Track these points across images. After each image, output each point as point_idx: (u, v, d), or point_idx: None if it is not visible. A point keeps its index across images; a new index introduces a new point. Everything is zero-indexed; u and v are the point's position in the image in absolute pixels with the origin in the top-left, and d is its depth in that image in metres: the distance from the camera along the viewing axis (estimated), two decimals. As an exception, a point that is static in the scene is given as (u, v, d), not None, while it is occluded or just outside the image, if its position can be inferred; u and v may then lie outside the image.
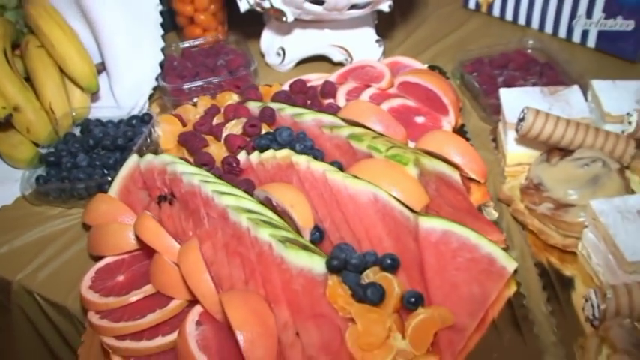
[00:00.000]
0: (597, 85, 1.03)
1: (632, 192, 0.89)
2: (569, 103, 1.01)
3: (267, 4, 1.15)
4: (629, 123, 0.94)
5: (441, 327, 0.78)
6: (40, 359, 1.07)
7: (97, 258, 0.94)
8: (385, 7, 1.19)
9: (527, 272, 0.87)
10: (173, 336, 0.82)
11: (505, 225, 0.94)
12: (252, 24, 1.38)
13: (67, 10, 1.23)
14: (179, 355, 0.79)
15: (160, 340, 0.82)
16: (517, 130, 0.96)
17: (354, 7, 1.15)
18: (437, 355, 0.78)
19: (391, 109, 1.10)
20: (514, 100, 1.01)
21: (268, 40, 1.31)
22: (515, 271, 0.82)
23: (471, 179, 1.00)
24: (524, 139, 0.97)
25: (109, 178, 1.03)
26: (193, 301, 0.84)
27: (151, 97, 1.26)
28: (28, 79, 1.20)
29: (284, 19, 1.18)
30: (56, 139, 1.15)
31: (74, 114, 1.18)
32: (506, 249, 0.85)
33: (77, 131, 1.17)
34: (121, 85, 1.25)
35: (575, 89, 1.03)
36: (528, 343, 0.79)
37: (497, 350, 0.78)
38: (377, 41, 1.28)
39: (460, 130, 1.10)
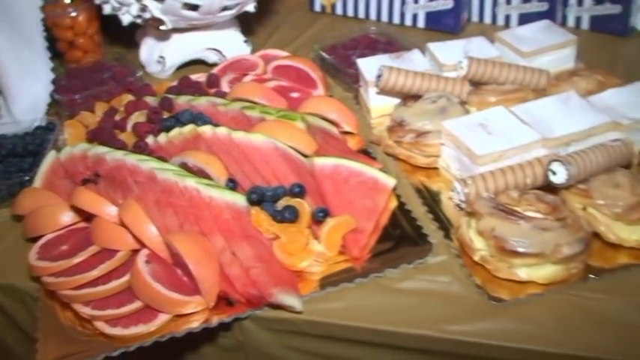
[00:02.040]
0: (432, 46, 1.28)
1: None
2: (413, 61, 1.25)
3: (147, 15, 1.32)
4: (462, 68, 1.19)
5: (347, 231, 0.97)
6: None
7: (35, 241, 1.05)
8: (251, 7, 1.39)
9: (404, 189, 1.09)
10: (125, 278, 0.95)
11: (380, 159, 1.15)
12: (124, 45, 1.55)
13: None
14: (135, 289, 0.93)
15: (115, 283, 0.94)
16: (377, 85, 1.18)
17: (225, 9, 1.34)
18: (346, 255, 0.98)
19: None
20: (370, 64, 1.24)
21: (148, 51, 1.46)
22: (395, 188, 1.04)
23: (345, 132, 1.21)
24: (383, 92, 1.20)
25: (27, 178, 1.14)
26: (136, 251, 0.98)
27: (46, 113, 1.36)
28: None
29: (163, 27, 1.34)
30: (-35, 157, 1.24)
31: (-19, 131, 1.28)
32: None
33: (-17, 148, 1.27)
34: (17, 105, 1.35)
35: (416, 51, 1.28)
36: (415, 232, 1.00)
37: (393, 239, 0.99)
38: (245, 41, 1.48)
39: (329, 100, 1.32)
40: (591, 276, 0.91)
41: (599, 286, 0.90)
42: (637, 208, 0.92)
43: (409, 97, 1.18)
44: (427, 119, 1.11)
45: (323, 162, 1.05)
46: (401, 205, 1.05)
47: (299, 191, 1.00)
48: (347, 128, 1.20)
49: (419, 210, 1.04)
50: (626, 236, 0.93)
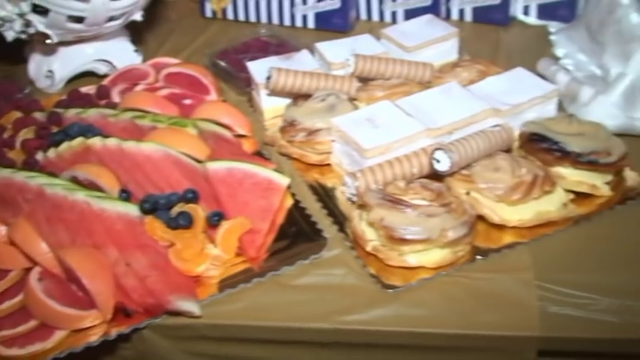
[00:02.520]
0: (320, 45, 1.30)
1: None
2: (302, 62, 1.27)
3: (32, 30, 1.29)
4: (349, 65, 1.21)
5: (242, 232, 0.98)
6: None
7: None
8: (138, 16, 1.38)
9: (298, 187, 1.10)
10: (19, 297, 0.93)
11: (275, 160, 1.16)
12: (12, 61, 1.51)
13: None
14: (30, 307, 0.91)
15: (8, 303, 0.92)
16: (267, 87, 1.19)
17: (111, 19, 1.33)
18: (243, 256, 0.98)
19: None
20: (260, 67, 1.25)
21: (36, 66, 1.43)
22: (290, 187, 1.06)
23: (240, 136, 1.22)
24: (274, 94, 1.21)
25: None
26: (29, 269, 0.96)
27: None
28: None
29: (49, 41, 1.32)
30: None
31: None
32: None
33: None
34: None
35: (305, 52, 1.30)
36: (311, 228, 1.01)
37: (290, 237, 1.00)
38: (135, 51, 1.47)
39: (223, 104, 1.32)
40: (478, 257, 0.95)
41: (486, 266, 0.94)
42: (517, 189, 0.96)
43: (300, 97, 1.20)
44: (317, 117, 1.13)
45: (216, 166, 1.05)
46: (296, 203, 1.06)
47: (192, 197, 1.00)
48: (241, 131, 1.20)
49: (314, 207, 1.06)
50: (509, 216, 0.97)
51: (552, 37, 1.43)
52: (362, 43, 1.30)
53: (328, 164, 1.14)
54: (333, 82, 1.20)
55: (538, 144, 1.02)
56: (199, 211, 0.99)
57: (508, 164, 0.99)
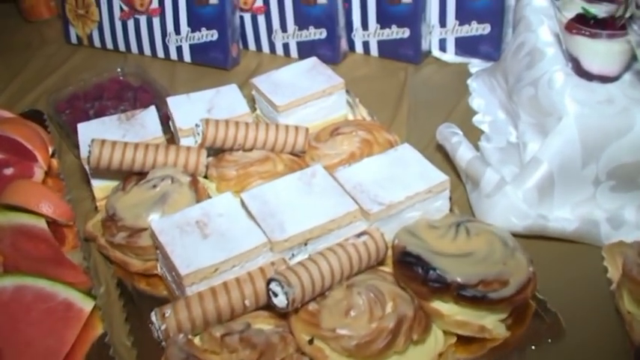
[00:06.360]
0: (172, 101, 1.03)
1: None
2: (145, 125, 1.00)
3: None
4: (198, 134, 0.95)
5: (11, 393, 0.74)
6: None
7: None
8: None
9: (113, 307, 0.85)
10: None
11: (93, 262, 0.91)
12: None
13: None
14: None
15: None
16: (89, 163, 0.93)
17: None
18: None
19: (-25, 166, 1.03)
20: (91, 133, 0.97)
21: None
22: (100, 308, 0.81)
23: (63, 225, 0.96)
24: (98, 172, 0.95)
25: None
26: None
27: None
28: None
29: None
30: None
31: None
32: (90, 289, 0.83)
33: None
34: None
35: (152, 110, 1.03)
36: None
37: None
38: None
39: (56, 173, 1.06)
40: None
41: None
42: (375, 341, 0.71)
43: (133, 176, 0.94)
44: (143, 211, 0.87)
45: (1, 284, 0.81)
46: (103, 336, 0.81)
47: (-53, 342, 0.75)
48: (60, 220, 0.95)
49: (125, 343, 0.81)
50: (363, 378, 0.72)
51: (469, 82, 1.16)
52: (224, 98, 1.04)
53: (157, 274, 0.88)
54: (175, 156, 0.94)
55: (410, 269, 0.75)
56: (-47, 365, 0.74)
57: (366, 302, 0.73)
